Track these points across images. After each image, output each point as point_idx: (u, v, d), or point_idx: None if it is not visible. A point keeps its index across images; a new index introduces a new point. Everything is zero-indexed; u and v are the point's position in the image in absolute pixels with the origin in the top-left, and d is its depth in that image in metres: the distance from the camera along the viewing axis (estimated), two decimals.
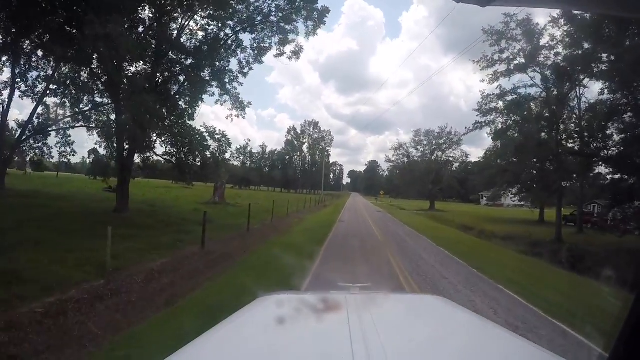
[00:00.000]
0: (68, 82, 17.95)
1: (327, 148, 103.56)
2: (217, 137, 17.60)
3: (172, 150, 16.99)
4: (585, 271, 10.79)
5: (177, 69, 16.94)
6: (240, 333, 1.49)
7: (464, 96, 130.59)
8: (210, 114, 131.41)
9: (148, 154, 17.30)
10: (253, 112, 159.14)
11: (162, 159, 17.84)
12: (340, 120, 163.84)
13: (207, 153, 17.50)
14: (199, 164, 17.18)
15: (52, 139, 21.49)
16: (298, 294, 1.92)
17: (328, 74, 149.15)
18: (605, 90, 19.00)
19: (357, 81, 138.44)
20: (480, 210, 48.46)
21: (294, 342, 1.32)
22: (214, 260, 9.41)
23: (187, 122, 17.22)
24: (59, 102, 19.62)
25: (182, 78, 17.00)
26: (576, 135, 21.19)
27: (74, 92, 17.79)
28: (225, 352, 1.30)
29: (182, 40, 16.69)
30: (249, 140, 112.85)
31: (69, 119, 20.28)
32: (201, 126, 18.14)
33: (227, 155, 21.76)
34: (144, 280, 7.04)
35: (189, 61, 16.61)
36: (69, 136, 21.29)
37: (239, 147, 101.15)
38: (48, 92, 18.74)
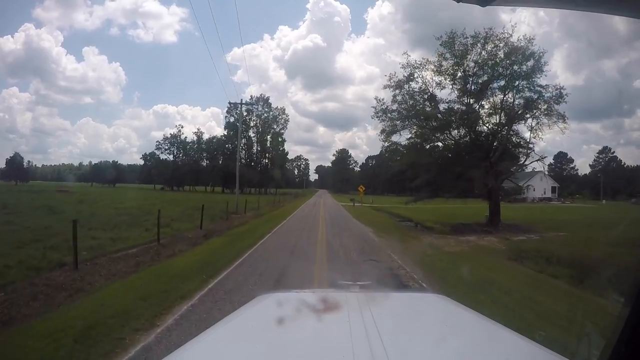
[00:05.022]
0: None
1: (282, 131, 77.55)
2: None
3: None
4: None
5: None
6: (239, 332, 1.46)
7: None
8: (176, 115, 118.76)
9: None
10: (219, 111, 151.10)
11: None
12: (308, 118, 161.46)
13: None
14: None
15: None
16: (297, 292, 1.87)
17: (294, 71, 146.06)
18: None
19: (324, 77, 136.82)
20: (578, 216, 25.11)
21: (294, 341, 1.29)
22: None
23: None
24: None
25: None
26: None
27: None
28: (224, 351, 1.27)
29: None
30: (182, 127, 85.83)
31: None
32: None
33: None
34: None
35: None
36: None
37: (168, 135, 76.86)
38: None
